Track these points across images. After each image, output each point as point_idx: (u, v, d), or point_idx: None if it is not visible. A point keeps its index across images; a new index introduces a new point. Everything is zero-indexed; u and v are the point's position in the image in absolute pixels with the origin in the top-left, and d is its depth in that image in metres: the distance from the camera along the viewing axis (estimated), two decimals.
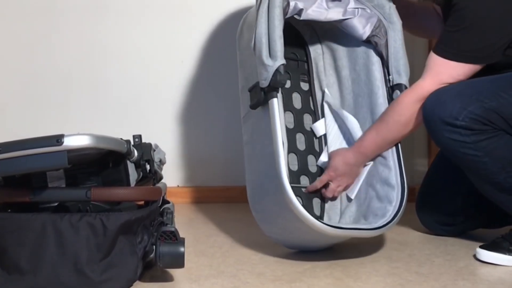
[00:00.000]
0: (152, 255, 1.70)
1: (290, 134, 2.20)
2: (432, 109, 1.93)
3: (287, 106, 2.23)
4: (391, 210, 1.97)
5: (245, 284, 1.76)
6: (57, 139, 1.58)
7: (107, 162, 1.78)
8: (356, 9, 2.14)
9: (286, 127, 2.19)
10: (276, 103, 1.93)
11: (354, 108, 2.18)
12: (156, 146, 2.08)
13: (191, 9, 2.84)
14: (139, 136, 1.90)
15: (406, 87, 2.07)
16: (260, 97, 1.97)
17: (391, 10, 2.14)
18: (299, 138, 2.23)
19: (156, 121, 2.85)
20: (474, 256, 1.99)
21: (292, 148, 2.19)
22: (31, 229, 1.62)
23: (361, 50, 2.17)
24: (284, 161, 1.88)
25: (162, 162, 2.12)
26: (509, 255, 1.93)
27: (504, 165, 1.90)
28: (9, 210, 1.73)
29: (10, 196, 1.70)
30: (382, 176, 2.04)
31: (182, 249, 1.69)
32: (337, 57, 2.25)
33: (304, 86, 2.30)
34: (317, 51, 2.31)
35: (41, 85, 2.83)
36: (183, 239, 1.71)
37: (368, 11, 2.14)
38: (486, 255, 1.95)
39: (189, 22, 2.84)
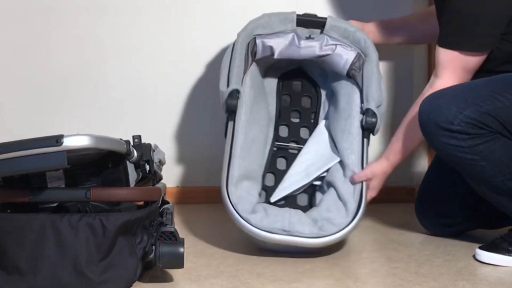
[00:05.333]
0: (151, 256, 1.70)
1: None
2: (427, 114, 1.93)
3: (294, 136, 2.35)
4: (343, 223, 1.97)
5: (245, 284, 1.76)
6: (57, 140, 1.57)
7: (106, 163, 1.78)
8: (334, 45, 2.25)
9: (290, 153, 2.31)
10: (231, 127, 2.12)
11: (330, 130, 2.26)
12: (156, 146, 2.07)
13: (191, 10, 2.83)
14: (139, 137, 1.90)
15: (373, 112, 2.12)
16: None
17: (367, 44, 2.25)
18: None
19: (156, 122, 2.84)
20: (474, 256, 1.99)
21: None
22: (31, 230, 1.62)
23: (345, 82, 2.26)
24: (225, 178, 2.11)
25: (161, 163, 2.12)
26: (508, 255, 1.93)
27: (501, 168, 1.90)
28: (9, 211, 1.73)
29: (9, 196, 1.70)
30: (344, 189, 2.06)
31: (181, 249, 1.69)
32: (336, 92, 2.31)
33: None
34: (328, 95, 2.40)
35: (40, 85, 2.83)
36: (183, 239, 1.71)
37: (348, 48, 2.24)
38: (486, 255, 1.95)
39: (189, 22, 2.83)
